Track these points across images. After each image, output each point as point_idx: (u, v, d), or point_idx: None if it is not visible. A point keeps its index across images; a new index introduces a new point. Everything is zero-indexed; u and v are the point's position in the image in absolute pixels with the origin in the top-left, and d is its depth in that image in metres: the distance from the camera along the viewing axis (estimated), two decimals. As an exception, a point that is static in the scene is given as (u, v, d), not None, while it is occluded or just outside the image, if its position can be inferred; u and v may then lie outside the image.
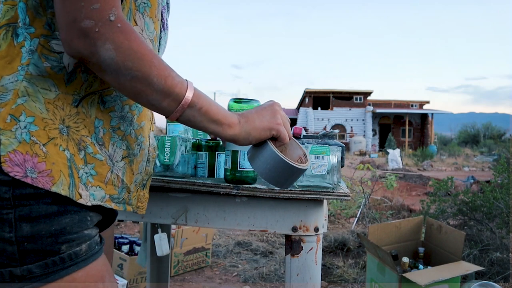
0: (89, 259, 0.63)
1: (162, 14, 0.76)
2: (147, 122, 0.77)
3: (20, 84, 0.58)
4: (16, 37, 0.59)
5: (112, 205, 0.68)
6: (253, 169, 0.92)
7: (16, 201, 0.56)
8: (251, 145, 0.71)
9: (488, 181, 4.49)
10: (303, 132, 1.37)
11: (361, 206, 4.39)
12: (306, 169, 0.70)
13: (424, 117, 30.07)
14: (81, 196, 0.62)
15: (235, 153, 0.93)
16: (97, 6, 0.53)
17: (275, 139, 0.71)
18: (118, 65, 0.56)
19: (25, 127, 0.57)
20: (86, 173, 0.63)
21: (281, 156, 0.67)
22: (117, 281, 2.02)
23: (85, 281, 0.62)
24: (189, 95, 0.62)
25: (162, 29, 0.77)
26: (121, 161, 0.69)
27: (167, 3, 0.80)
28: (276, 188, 0.92)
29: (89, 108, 0.64)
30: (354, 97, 29.91)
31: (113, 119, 0.68)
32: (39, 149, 0.58)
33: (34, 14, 0.60)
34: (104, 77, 0.60)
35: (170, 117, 0.63)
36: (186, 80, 0.64)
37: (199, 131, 1.32)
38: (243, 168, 0.93)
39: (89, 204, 0.63)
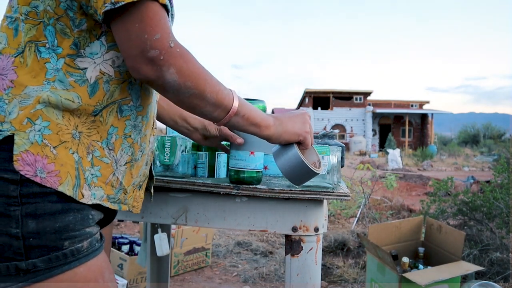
0: (90, 255, 0.67)
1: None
2: (149, 130, 0.80)
3: (44, 93, 0.63)
4: (39, 53, 0.65)
5: (108, 204, 0.71)
6: (255, 170, 0.93)
7: (23, 199, 0.61)
8: (278, 144, 0.81)
9: (488, 181, 4.49)
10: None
11: (361, 206, 4.39)
12: (318, 173, 0.80)
13: (424, 117, 30.05)
14: (83, 196, 0.66)
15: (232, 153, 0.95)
16: (158, 36, 0.60)
17: (300, 143, 0.81)
18: (180, 85, 0.64)
19: (39, 130, 0.62)
20: (92, 174, 0.67)
21: (303, 159, 0.77)
22: (117, 281, 2.02)
23: (86, 276, 0.66)
24: (235, 105, 0.71)
25: None
26: (124, 165, 0.73)
27: (172, 14, 0.84)
28: (276, 188, 0.92)
29: (107, 117, 0.69)
30: (354, 97, 29.90)
31: (127, 127, 0.72)
32: (50, 151, 0.62)
33: (62, 36, 0.65)
34: (165, 95, 0.67)
35: (218, 123, 0.73)
36: (231, 90, 0.73)
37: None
38: (232, 167, 0.95)
39: (90, 203, 0.67)
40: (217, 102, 0.69)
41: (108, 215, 0.83)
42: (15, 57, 0.65)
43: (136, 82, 0.72)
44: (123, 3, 0.59)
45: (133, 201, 0.79)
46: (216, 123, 0.73)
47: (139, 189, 0.81)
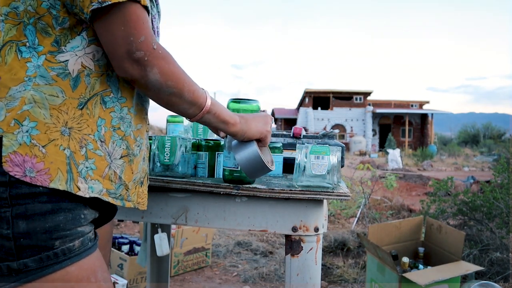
0: (82, 254, 0.67)
1: (152, 23, 0.82)
2: (144, 125, 0.82)
3: (27, 93, 0.64)
4: (20, 53, 0.66)
5: (109, 199, 0.72)
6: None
7: (13, 200, 0.61)
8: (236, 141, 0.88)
9: (488, 181, 4.49)
10: (303, 132, 1.37)
11: (361, 206, 4.39)
12: (271, 170, 0.88)
13: (424, 117, 30.05)
14: (79, 189, 0.66)
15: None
16: (143, 39, 0.65)
17: (259, 141, 0.88)
18: (161, 84, 0.69)
19: (27, 131, 0.63)
20: (86, 167, 0.68)
21: (261, 155, 0.85)
22: (117, 281, 2.02)
23: (78, 275, 0.66)
24: (208, 103, 0.77)
25: None
26: (119, 159, 0.74)
27: (158, 12, 0.86)
28: (276, 188, 0.92)
29: (93, 109, 0.70)
30: (354, 97, 29.90)
31: (114, 119, 0.73)
32: (38, 150, 0.63)
33: (43, 35, 0.67)
34: (146, 94, 0.73)
35: (191, 120, 0.78)
36: (203, 89, 0.78)
37: (199, 131, 1.33)
38: (226, 166, 0.95)
39: (87, 196, 0.67)
40: (193, 101, 0.74)
41: (106, 213, 0.84)
42: None
43: (113, 74, 0.73)
44: (109, 2, 0.62)
45: (137, 197, 0.80)
46: (190, 119, 0.78)
47: (141, 185, 0.82)
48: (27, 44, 0.66)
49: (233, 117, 0.82)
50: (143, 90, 0.71)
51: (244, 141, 0.86)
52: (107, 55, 0.68)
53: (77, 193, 0.66)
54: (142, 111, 0.81)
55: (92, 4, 0.62)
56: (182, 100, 0.72)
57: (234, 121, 0.82)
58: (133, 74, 0.66)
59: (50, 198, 0.64)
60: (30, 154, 0.63)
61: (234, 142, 0.88)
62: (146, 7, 0.67)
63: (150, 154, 1.03)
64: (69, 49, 0.67)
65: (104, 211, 0.81)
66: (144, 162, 0.83)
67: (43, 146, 0.64)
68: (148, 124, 0.86)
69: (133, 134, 0.78)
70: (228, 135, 0.94)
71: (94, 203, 0.72)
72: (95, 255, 0.71)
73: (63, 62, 0.67)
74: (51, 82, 0.66)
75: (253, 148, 0.85)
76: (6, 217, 0.61)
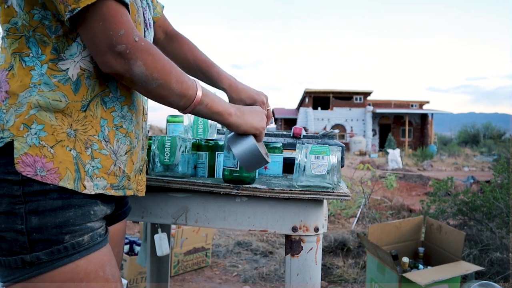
0: (91, 249, 0.70)
1: (144, 15, 0.83)
2: (141, 116, 0.84)
3: (33, 98, 0.67)
4: (24, 62, 0.69)
5: (112, 192, 0.75)
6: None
7: (26, 198, 0.66)
8: (232, 133, 0.88)
9: (488, 181, 4.49)
10: (303, 132, 1.37)
11: (361, 206, 4.39)
12: (269, 162, 0.89)
13: (424, 117, 30.05)
14: (85, 187, 0.69)
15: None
16: (123, 32, 0.65)
17: (254, 136, 0.87)
18: (147, 77, 0.68)
19: (35, 134, 0.67)
20: (92, 166, 0.71)
21: (259, 149, 0.85)
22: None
23: (87, 269, 0.70)
24: (199, 94, 0.76)
25: (145, 29, 0.85)
26: (124, 155, 0.77)
27: (148, 4, 0.87)
28: (276, 188, 0.92)
29: (95, 110, 0.72)
30: (354, 97, 29.90)
31: (115, 118, 0.75)
32: (47, 151, 0.67)
33: (43, 44, 0.69)
34: (133, 88, 0.72)
35: (184, 112, 0.77)
36: (194, 80, 0.77)
37: (199, 131, 1.33)
38: (225, 166, 0.96)
39: (92, 193, 0.71)
40: (183, 92, 0.73)
41: (120, 211, 0.88)
42: (9, 70, 0.70)
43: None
44: (79, 8, 0.63)
45: (136, 185, 0.83)
46: (182, 111, 0.78)
47: (140, 173, 0.85)
48: (31, 54, 0.69)
49: (228, 108, 0.81)
50: (130, 84, 0.71)
51: (240, 135, 0.86)
52: (91, 54, 0.68)
53: (83, 192, 0.69)
54: (139, 105, 0.83)
55: (66, 14, 0.64)
56: (171, 92, 0.72)
57: (229, 112, 0.81)
58: (118, 69, 0.66)
59: (60, 194, 0.67)
60: (40, 154, 0.66)
61: (230, 135, 0.87)
62: (123, 3, 0.67)
63: (150, 154, 1.03)
64: (68, 56, 0.70)
65: (118, 208, 0.84)
66: (143, 151, 0.86)
67: (51, 147, 0.67)
68: (146, 114, 0.88)
69: (134, 128, 0.80)
70: (225, 132, 0.95)
71: (106, 199, 0.75)
72: (105, 251, 0.73)
73: (64, 70, 0.69)
74: (54, 88, 0.69)
75: (252, 142, 0.85)
76: (20, 213, 0.65)
